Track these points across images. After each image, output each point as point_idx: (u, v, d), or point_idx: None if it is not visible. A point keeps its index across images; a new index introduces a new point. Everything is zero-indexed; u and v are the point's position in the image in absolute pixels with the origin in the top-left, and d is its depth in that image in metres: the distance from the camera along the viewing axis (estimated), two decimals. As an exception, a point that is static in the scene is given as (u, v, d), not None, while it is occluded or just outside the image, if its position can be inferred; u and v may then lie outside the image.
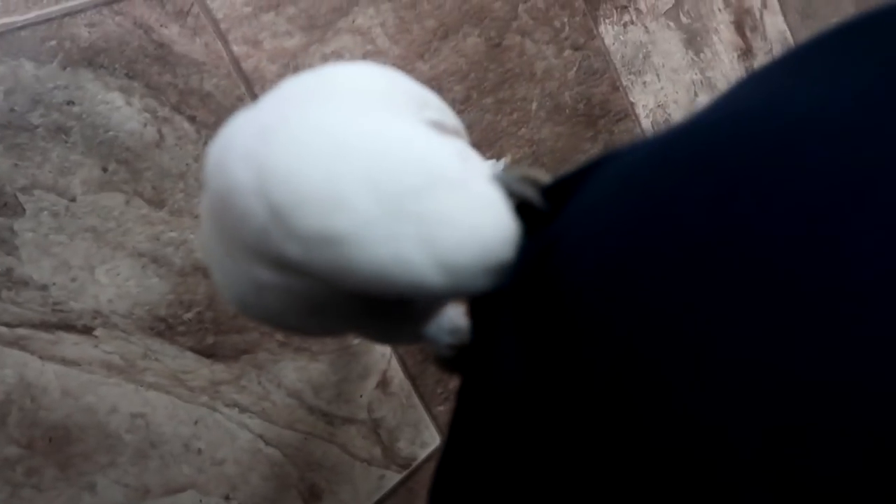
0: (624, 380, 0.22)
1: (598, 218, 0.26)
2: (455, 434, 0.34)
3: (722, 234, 0.21)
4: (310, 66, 0.73)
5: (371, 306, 0.32)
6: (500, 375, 0.29)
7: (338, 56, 0.75)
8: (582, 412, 0.23)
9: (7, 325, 0.54)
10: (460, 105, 0.86)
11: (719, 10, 1.31)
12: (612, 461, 0.22)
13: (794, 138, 0.23)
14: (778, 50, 1.46)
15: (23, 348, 0.55)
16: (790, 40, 1.49)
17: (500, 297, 0.29)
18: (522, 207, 0.31)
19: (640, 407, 0.21)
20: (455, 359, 0.48)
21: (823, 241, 0.19)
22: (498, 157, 0.91)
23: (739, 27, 1.36)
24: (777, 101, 0.26)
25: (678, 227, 0.22)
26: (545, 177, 0.32)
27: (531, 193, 0.30)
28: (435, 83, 0.83)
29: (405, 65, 0.81)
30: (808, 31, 1.53)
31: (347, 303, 0.30)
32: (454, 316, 0.47)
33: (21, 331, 0.55)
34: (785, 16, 1.48)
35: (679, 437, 0.20)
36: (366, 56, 0.77)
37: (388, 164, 0.24)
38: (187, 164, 0.64)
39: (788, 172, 0.21)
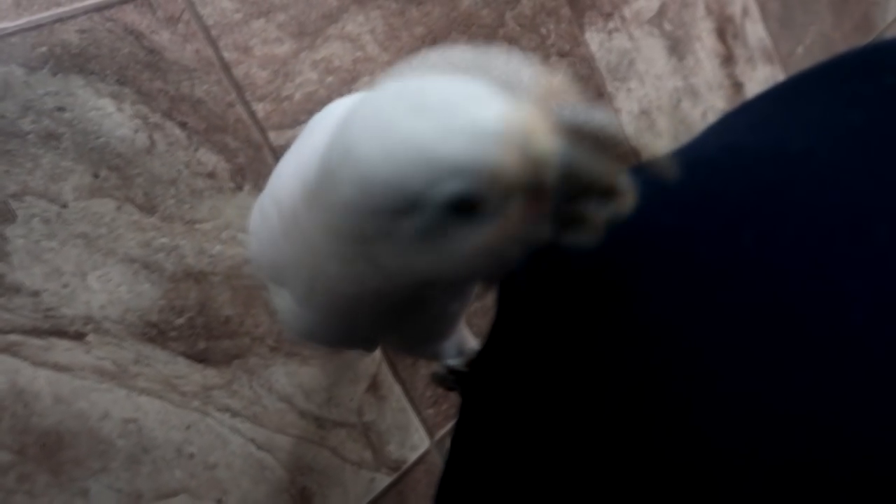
0: (641, 393, 0.22)
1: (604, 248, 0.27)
2: (459, 447, 0.35)
3: (728, 267, 0.22)
4: (300, 72, 0.73)
5: (406, 306, 0.32)
6: (517, 381, 0.30)
7: (327, 62, 0.76)
8: (596, 422, 0.24)
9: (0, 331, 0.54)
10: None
11: (702, 17, 1.33)
12: (622, 474, 0.23)
13: (791, 177, 0.24)
14: (759, 57, 1.48)
15: (14, 354, 0.55)
16: (770, 47, 1.52)
17: (519, 302, 0.29)
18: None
19: (655, 423, 0.22)
20: (449, 378, 0.49)
21: (822, 278, 0.20)
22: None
23: (721, 35, 1.39)
24: (773, 139, 0.27)
25: (687, 259, 0.23)
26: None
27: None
28: (423, 89, 0.84)
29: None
30: (787, 39, 1.56)
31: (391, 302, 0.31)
32: (465, 338, 0.48)
33: (13, 337, 0.55)
34: (765, 23, 1.51)
35: (691, 458, 0.21)
36: (355, 63, 0.78)
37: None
38: (178, 171, 0.64)
39: (787, 209, 0.22)
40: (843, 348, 0.19)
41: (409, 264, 0.26)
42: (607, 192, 0.24)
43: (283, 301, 0.37)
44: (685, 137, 1.27)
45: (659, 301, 0.23)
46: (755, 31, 1.47)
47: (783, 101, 0.31)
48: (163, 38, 0.64)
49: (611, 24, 1.11)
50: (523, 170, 0.23)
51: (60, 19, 0.59)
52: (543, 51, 1.00)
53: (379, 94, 0.25)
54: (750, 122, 0.31)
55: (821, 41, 1.69)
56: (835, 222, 0.21)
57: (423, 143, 0.22)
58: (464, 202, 0.23)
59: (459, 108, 0.23)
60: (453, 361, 0.47)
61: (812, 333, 0.19)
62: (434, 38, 0.86)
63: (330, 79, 0.76)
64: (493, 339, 0.35)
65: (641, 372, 0.22)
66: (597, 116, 0.23)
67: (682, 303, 0.22)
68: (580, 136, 0.23)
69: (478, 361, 0.38)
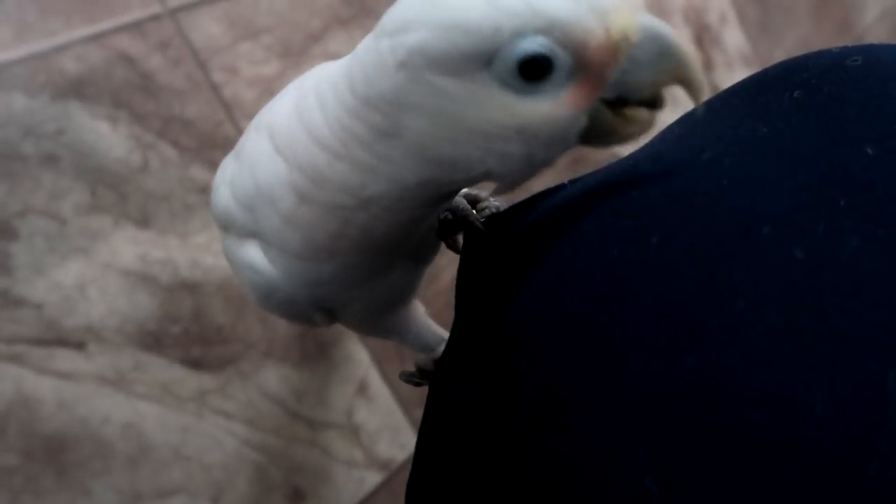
0: (557, 377, 0.26)
1: (534, 248, 0.30)
2: (421, 446, 0.39)
3: (636, 267, 0.26)
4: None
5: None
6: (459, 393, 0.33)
7: (312, 80, 0.79)
8: (518, 404, 0.27)
9: (4, 341, 0.58)
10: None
11: (679, 26, 1.37)
12: (540, 453, 0.26)
13: (697, 184, 0.27)
14: (737, 62, 1.52)
15: (20, 363, 0.58)
16: (748, 52, 1.56)
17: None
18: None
19: (568, 402, 0.25)
20: (416, 376, 0.52)
21: (711, 274, 0.24)
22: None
23: (699, 42, 1.42)
24: (692, 148, 0.30)
25: (600, 262, 0.27)
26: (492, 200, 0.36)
27: (472, 214, 0.34)
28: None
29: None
30: (766, 43, 1.60)
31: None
32: (430, 331, 0.51)
33: (17, 347, 0.58)
34: (743, 29, 1.55)
35: (598, 431, 0.24)
36: (339, 80, 0.82)
37: None
38: (171, 187, 0.68)
39: (690, 214, 0.26)
40: (725, 334, 0.22)
41: (446, 141, 0.28)
42: (660, 98, 0.28)
43: (250, 256, 0.38)
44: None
45: (578, 295, 0.27)
46: (733, 36, 1.51)
47: (711, 112, 0.35)
48: (154, 62, 0.68)
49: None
50: (606, 46, 0.26)
51: (58, 48, 0.63)
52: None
53: None
54: (681, 132, 0.34)
55: (800, 44, 1.73)
56: (728, 224, 0.25)
57: None
58: (538, 64, 0.26)
59: None
60: (421, 361, 0.51)
61: (700, 321, 0.23)
62: (415, 54, 0.90)
63: (315, 96, 0.79)
64: (451, 339, 0.38)
65: (558, 359, 0.26)
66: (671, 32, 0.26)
67: (598, 298, 0.26)
68: (656, 40, 0.27)
69: (441, 361, 0.42)
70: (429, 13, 0.26)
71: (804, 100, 0.29)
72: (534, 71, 0.26)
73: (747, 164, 0.27)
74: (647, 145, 0.36)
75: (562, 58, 0.26)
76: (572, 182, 0.35)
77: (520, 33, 0.25)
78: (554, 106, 0.27)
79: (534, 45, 0.25)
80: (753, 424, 0.20)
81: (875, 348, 0.20)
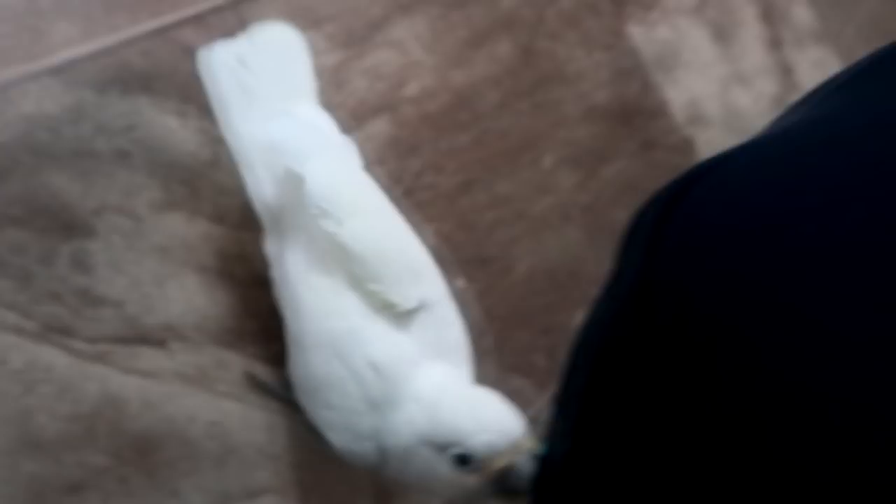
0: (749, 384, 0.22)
1: (711, 224, 0.26)
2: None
3: (839, 247, 0.21)
4: (349, 80, 0.76)
5: None
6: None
7: (375, 69, 0.78)
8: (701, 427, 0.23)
9: (88, 340, 0.57)
10: (497, 110, 0.88)
11: (745, 2, 1.32)
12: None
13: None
14: (807, 38, 1.45)
15: (104, 363, 0.57)
16: (818, 28, 1.49)
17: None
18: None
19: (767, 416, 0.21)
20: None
21: None
22: (537, 160, 0.92)
23: (767, 18, 1.37)
24: (868, 110, 0.25)
25: (796, 238, 0.22)
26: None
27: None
28: (471, 90, 0.85)
29: (442, 73, 0.83)
30: (835, 18, 1.53)
31: None
32: None
33: (101, 346, 0.57)
34: (812, 4, 1.48)
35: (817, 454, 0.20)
36: (402, 68, 0.80)
37: None
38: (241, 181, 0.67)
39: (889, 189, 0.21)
40: None
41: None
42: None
43: None
44: (736, 124, 1.23)
45: (791, 282, 0.22)
46: (801, 12, 1.45)
47: (863, 79, 0.30)
48: (220, 54, 0.67)
49: (652, 16, 1.11)
50: (505, 461, 0.49)
51: (124, 43, 0.62)
52: (587, 46, 1.00)
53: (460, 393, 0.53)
54: (844, 98, 0.29)
55: (871, 21, 1.65)
56: None
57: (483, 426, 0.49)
58: (466, 457, 0.49)
59: (507, 422, 0.51)
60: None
61: None
62: (477, 39, 0.87)
63: (379, 85, 0.78)
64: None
65: (754, 350, 0.21)
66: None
67: (801, 282, 0.21)
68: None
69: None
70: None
71: None
72: (463, 459, 0.49)
73: None
74: (789, 115, 0.31)
75: (481, 459, 0.49)
76: (737, 151, 0.29)
77: (469, 439, 0.49)
78: (473, 478, 0.50)
79: (469, 445, 0.49)
80: None
81: None
